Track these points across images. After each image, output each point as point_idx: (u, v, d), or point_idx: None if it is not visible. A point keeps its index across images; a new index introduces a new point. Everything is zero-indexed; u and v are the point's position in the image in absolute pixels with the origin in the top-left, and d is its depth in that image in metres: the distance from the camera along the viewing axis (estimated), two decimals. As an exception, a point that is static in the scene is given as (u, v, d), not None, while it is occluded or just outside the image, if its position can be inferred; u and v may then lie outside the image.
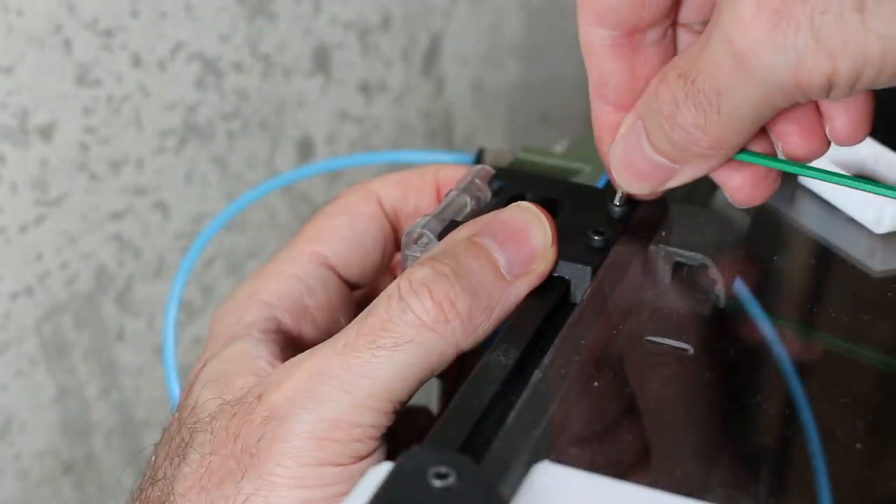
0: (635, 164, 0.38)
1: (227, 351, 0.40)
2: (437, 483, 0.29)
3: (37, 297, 0.70)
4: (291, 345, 0.41)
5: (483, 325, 0.36)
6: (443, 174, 0.45)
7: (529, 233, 0.38)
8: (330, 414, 0.35)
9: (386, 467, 0.30)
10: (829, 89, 0.32)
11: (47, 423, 0.73)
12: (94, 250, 0.72)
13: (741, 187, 0.39)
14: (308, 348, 0.38)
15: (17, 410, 0.71)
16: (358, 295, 0.45)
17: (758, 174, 0.38)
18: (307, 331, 0.42)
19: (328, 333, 0.40)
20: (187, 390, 0.40)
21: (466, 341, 0.36)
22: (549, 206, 0.42)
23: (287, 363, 0.37)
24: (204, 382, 0.39)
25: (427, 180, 0.45)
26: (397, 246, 0.45)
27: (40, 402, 0.72)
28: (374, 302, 0.37)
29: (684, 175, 0.37)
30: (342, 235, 0.43)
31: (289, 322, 0.42)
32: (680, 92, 0.35)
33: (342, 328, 0.38)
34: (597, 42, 0.37)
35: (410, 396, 0.36)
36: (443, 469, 0.29)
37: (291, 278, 0.42)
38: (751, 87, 0.33)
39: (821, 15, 0.31)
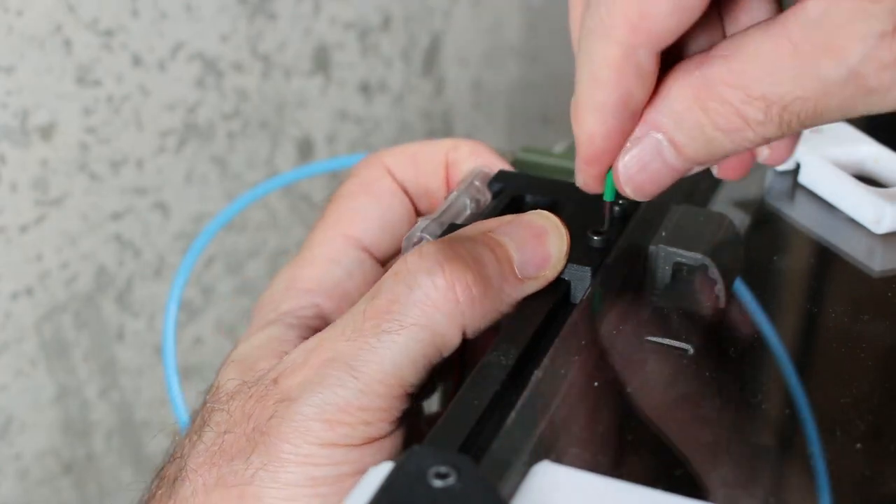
0: (656, 176, 0.36)
1: (258, 336, 0.40)
2: (437, 483, 0.29)
3: (37, 297, 0.70)
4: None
5: (490, 315, 0.36)
6: (452, 156, 0.45)
7: (547, 238, 0.38)
8: (338, 399, 0.35)
9: (386, 467, 0.30)
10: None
11: (47, 423, 0.73)
12: (94, 250, 0.72)
13: (729, 166, 0.38)
14: None
15: (17, 410, 0.71)
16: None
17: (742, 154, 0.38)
18: None
19: None
20: (217, 374, 0.40)
21: (472, 327, 0.36)
22: (550, 208, 0.42)
23: (301, 347, 0.37)
24: (231, 363, 0.39)
25: (437, 161, 0.45)
26: (418, 214, 0.45)
27: (40, 402, 0.72)
28: (380, 281, 0.37)
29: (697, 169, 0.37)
30: (370, 216, 0.43)
31: (330, 307, 0.42)
32: (758, 111, 0.33)
33: None
34: (643, 61, 0.34)
35: (422, 379, 0.36)
36: (443, 469, 0.29)
37: (329, 263, 0.42)
38: (861, 109, 0.32)
39: None
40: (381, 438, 0.36)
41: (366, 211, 0.43)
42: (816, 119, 0.33)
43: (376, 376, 0.35)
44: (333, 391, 0.35)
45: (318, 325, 0.41)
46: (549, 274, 0.38)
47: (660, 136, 0.35)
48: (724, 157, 0.35)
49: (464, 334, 0.36)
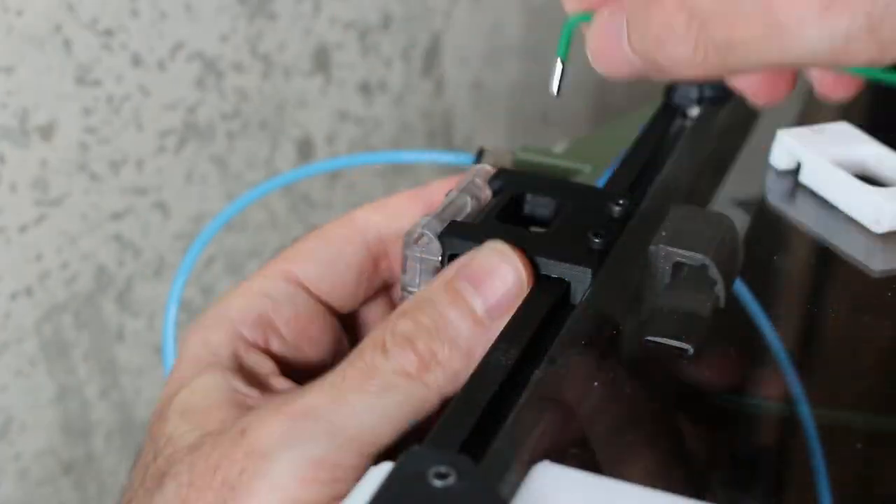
0: (611, 56, 0.36)
1: (199, 383, 0.40)
2: (437, 483, 0.29)
3: (37, 297, 0.70)
4: (258, 358, 0.42)
5: (464, 370, 0.37)
6: (427, 192, 0.46)
7: (501, 272, 0.38)
8: (312, 454, 0.35)
9: (386, 467, 0.30)
10: (868, 66, 0.31)
11: (47, 423, 0.73)
12: (94, 250, 0.72)
13: (759, 88, 0.37)
14: (275, 361, 0.40)
15: (17, 410, 0.71)
16: (345, 317, 0.46)
17: (773, 73, 0.37)
18: (274, 344, 0.43)
19: (297, 348, 0.42)
20: (159, 415, 0.39)
21: (449, 387, 0.37)
22: (549, 209, 0.42)
23: (273, 401, 0.37)
24: (179, 412, 0.38)
25: (410, 198, 0.46)
26: (389, 272, 0.46)
27: (40, 402, 0.72)
28: (360, 346, 0.37)
29: (657, 77, 0.36)
30: (315, 256, 0.44)
31: (253, 336, 0.42)
32: (681, 25, 0.32)
33: (314, 344, 0.41)
34: None
35: (396, 440, 0.36)
36: (443, 469, 0.29)
37: (257, 295, 0.43)
38: (776, 53, 0.31)
39: (884, 7, 0.29)
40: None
41: (312, 251, 0.44)
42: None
43: (353, 434, 0.35)
44: (307, 446, 0.35)
45: (249, 358, 0.41)
46: (514, 306, 0.38)
47: (624, 19, 0.35)
48: (666, 75, 0.34)
49: (443, 396, 0.37)
